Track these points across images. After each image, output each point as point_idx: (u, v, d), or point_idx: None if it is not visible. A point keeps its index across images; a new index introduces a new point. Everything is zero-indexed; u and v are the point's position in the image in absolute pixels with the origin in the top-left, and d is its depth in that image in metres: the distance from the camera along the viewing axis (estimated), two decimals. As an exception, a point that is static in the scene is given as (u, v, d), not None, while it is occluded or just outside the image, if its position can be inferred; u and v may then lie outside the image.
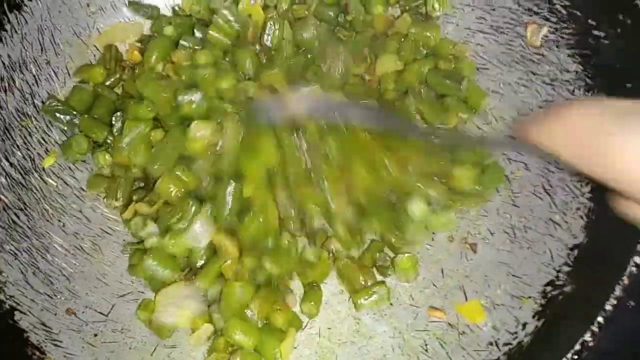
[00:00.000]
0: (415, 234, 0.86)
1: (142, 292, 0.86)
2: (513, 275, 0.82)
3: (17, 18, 0.89)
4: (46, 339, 0.75)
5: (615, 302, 0.66)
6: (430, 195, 0.86)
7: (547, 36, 0.92)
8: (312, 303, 0.83)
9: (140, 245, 0.87)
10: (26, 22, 0.90)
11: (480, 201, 0.89)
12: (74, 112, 0.91)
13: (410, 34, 0.97)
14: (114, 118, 0.91)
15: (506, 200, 0.90)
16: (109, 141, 0.91)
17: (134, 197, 0.88)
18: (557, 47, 0.91)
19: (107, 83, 0.95)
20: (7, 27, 0.88)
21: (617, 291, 0.66)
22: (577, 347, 0.65)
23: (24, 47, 0.90)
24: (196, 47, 0.95)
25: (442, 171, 0.87)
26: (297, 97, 0.81)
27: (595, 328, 0.65)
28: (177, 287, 0.83)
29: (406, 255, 0.84)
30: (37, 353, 0.74)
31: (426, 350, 0.80)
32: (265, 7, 0.99)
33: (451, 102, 0.94)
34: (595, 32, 0.85)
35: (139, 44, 1.00)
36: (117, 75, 0.95)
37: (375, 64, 0.97)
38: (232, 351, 0.81)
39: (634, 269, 0.67)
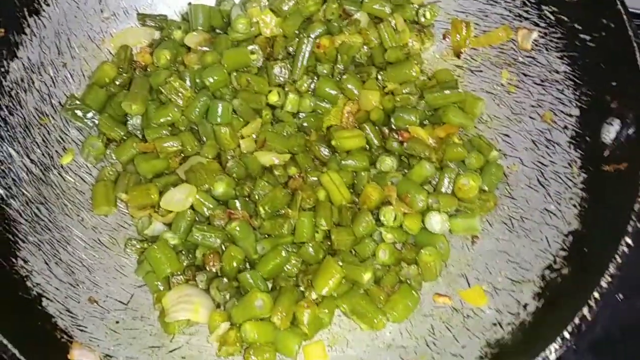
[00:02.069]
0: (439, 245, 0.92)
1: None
2: (512, 262, 0.88)
3: (35, 22, 0.93)
4: (72, 325, 0.78)
5: (610, 278, 0.71)
6: (445, 209, 0.92)
7: (537, 40, 0.99)
8: (326, 311, 0.86)
9: (144, 243, 0.91)
10: (44, 26, 0.94)
11: (492, 206, 0.95)
12: (93, 111, 0.95)
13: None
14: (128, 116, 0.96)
15: (503, 193, 0.96)
16: (125, 137, 0.95)
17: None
18: (546, 50, 0.98)
19: (119, 82, 0.99)
20: (27, 30, 0.92)
21: (612, 269, 0.72)
22: (576, 320, 0.70)
23: (42, 50, 0.94)
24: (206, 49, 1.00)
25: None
26: None
27: (592, 303, 0.71)
28: (181, 288, 0.86)
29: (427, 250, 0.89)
30: (65, 337, 0.76)
31: (433, 334, 0.85)
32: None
33: (449, 112, 0.99)
34: (582, 35, 0.92)
35: (149, 48, 1.04)
36: (129, 75, 0.99)
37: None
38: (246, 346, 0.84)
39: (625, 248, 0.73)
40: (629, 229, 0.73)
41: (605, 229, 0.78)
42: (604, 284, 0.71)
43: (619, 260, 0.72)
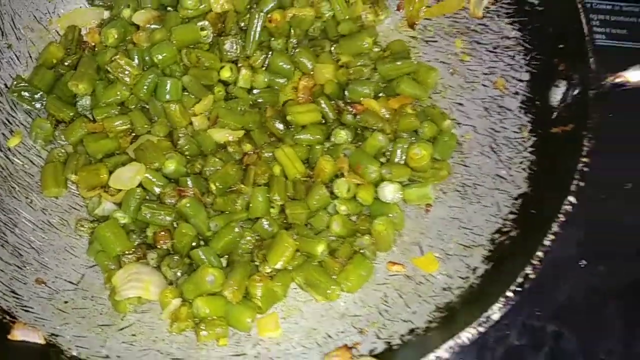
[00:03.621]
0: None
1: (111, 263, 0.88)
2: (464, 228, 0.87)
3: (-24, 3, 0.91)
4: (17, 305, 0.77)
5: (553, 237, 0.71)
6: (397, 179, 0.91)
7: (488, 7, 0.98)
8: (279, 284, 0.86)
9: (95, 223, 0.90)
10: (-15, 7, 0.92)
11: (445, 174, 0.94)
12: (40, 92, 0.94)
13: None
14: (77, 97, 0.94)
15: (457, 161, 0.96)
16: (74, 118, 0.94)
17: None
18: (497, 16, 0.97)
19: (67, 63, 0.97)
20: (-33, 12, 0.90)
21: (555, 227, 0.72)
22: (520, 279, 0.70)
23: (-16, 32, 0.92)
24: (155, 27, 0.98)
25: None
26: None
27: (535, 261, 0.71)
28: (131, 267, 0.85)
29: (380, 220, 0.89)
30: (8, 317, 0.76)
31: (386, 302, 0.85)
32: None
33: (401, 83, 0.99)
34: (530, 0, 0.92)
35: (99, 28, 1.03)
36: (77, 56, 0.98)
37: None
38: (198, 321, 0.83)
39: (568, 207, 0.73)
40: (573, 187, 0.73)
41: (552, 190, 0.78)
42: (547, 242, 0.71)
43: (562, 218, 0.72)
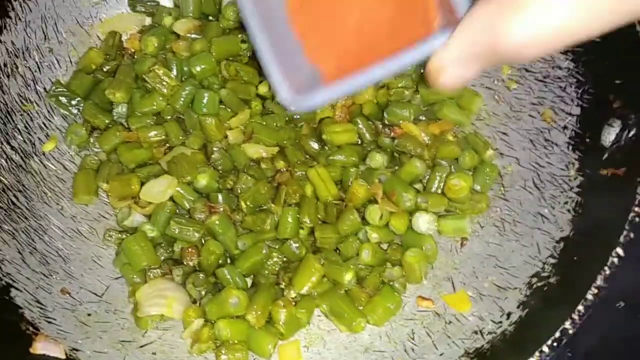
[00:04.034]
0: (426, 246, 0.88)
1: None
2: (500, 267, 0.84)
3: (21, 6, 0.91)
4: (40, 316, 0.77)
5: (596, 290, 0.67)
6: (433, 209, 0.88)
7: (540, 34, 0.93)
8: (303, 311, 0.84)
9: (123, 234, 0.89)
10: (30, 10, 0.92)
11: (484, 207, 0.91)
12: (78, 98, 0.94)
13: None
14: (113, 104, 0.94)
15: (497, 194, 0.92)
16: (110, 125, 0.93)
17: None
18: (550, 44, 0.92)
19: (106, 69, 0.97)
20: (12, 14, 0.90)
21: (599, 281, 0.67)
22: (557, 334, 0.66)
23: (28, 35, 0.92)
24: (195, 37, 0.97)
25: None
26: None
27: (575, 316, 0.66)
28: (156, 282, 0.85)
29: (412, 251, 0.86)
30: (31, 328, 0.75)
31: (413, 339, 0.82)
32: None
33: (444, 108, 0.95)
34: (588, 30, 0.86)
35: (139, 35, 1.02)
36: (117, 62, 0.97)
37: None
38: (219, 343, 0.82)
39: (615, 259, 0.68)
40: (622, 239, 0.69)
41: (598, 238, 0.74)
42: (589, 296, 0.67)
43: (607, 271, 0.67)
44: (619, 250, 0.68)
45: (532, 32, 0.40)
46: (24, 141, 0.90)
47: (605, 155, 0.79)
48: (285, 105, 0.58)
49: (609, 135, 0.79)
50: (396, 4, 0.58)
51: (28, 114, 0.92)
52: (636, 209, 0.70)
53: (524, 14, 0.40)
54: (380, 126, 0.97)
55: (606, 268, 0.67)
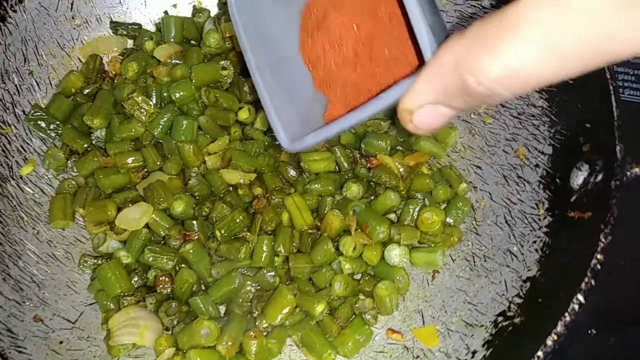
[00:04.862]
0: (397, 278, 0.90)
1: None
2: (469, 303, 0.85)
3: (1, 29, 0.91)
4: (11, 346, 0.77)
5: (555, 337, 0.68)
6: (405, 242, 0.89)
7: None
8: (274, 341, 0.85)
9: (98, 259, 0.90)
10: (10, 33, 0.92)
11: (456, 241, 0.92)
12: (57, 122, 0.94)
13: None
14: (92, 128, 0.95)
15: (469, 228, 0.93)
16: (88, 150, 0.94)
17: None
18: (525, 81, 0.94)
19: (86, 92, 0.97)
20: (-8, 37, 0.90)
21: (559, 327, 0.69)
22: (517, 379, 0.68)
23: (7, 58, 0.92)
24: (176, 63, 0.98)
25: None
26: None
27: (535, 361, 0.68)
28: (129, 310, 0.85)
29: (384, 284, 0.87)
30: (0, 360, 0.76)
31: (380, 372, 0.83)
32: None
33: (420, 140, 0.97)
34: (561, 71, 0.88)
35: (121, 57, 1.02)
36: (97, 85, 0.97)
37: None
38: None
39: (576, 306, 0.70)
40: (583, 285, 0.70)
41: (561, 281, 0.75)
42: (549, 342, 0.69)
43: (567, 318, 0.69)
44: (580, 297, 0.70)
45: (503, 74, 0.40)
46: (1, 164, 0.90)
47: (574, 198, 0.81)
48: (285, 148, 0.63)
49: (577, 178, 0.81)
50: (383, 39, 0.60)
51: (6, 137, 0.92)
52: (598, 256, 0.71)
53: (496, 55, 0.40)
54: (358, 155, 0.99)
55: (567, 314, 0.69)
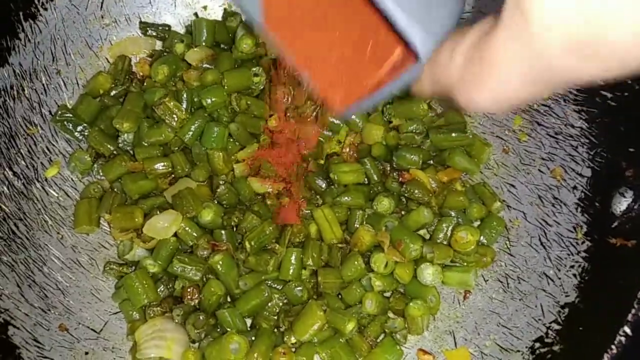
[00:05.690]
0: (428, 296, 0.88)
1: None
2: (503, 326, 0.84)
3: (31, 27, 0.88)
4: (38, 356, 0.75)
5: (602, 370, 0.67)
6: (439, 261, 0.87)
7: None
8: (303, 358, 0.83)
9: (124, 267, 0.88)
10: (40, 31, 0.90)
11: (489, 261, 0.90)
12: (84, 124, 0.92)
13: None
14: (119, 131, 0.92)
15: (502, 247, 0.91)
16: (115, 153, 0.91)
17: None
18: (564, 101, 0.92)
19: (113, 94, 0.95)
20: (21, 35, 0.88)
21: (605, 359, 0.67)
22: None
23: (36, 56, 0.90)
24: (207, 67, 0.95)
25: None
26: None
27: (580, 394, 0.67)
28: (155, 322, 0.83)
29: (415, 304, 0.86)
30: (28, 371, 0.74)
31: (411, 394, 0.82)
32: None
33: (454, 156, 0.95)
34: (603, 92, 0.86)
35: (149, 59, 1.00)
36: (124, 87, 0.95)
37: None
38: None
39: (623, 338, 0.68)
40: (630, 317, 0.69)
41: (605, 310, 0.74)
42: (595, 375, 0.67)
43: (614, 351, 0.67)
44: (627, 330, 0.68)
45: (489, 104, 0.47)
46: (27, 166, 0.88)
47: (615, 224, 0.79)
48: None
49: (620, 204, 0.79)
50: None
51: (32, 138, 0.89)
52: (645, 286, 0.70)
53: (484, 92, 0.46)
54: (389, 168, 0.97)
55: (613, 347, 0.67)
